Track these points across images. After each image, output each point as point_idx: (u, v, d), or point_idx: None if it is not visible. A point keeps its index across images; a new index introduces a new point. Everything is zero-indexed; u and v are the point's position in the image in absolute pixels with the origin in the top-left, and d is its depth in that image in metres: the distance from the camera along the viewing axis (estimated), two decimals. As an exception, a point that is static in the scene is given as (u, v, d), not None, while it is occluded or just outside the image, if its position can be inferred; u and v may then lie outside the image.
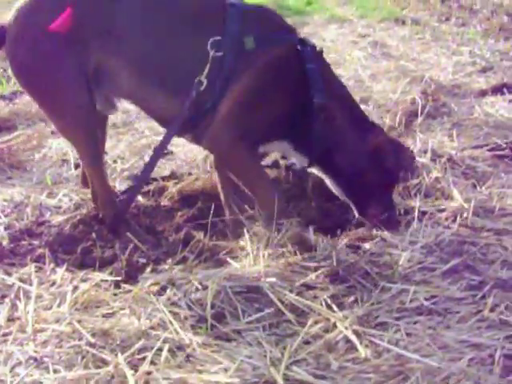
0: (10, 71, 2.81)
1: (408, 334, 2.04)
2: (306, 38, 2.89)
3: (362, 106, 4.44)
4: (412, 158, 2.92)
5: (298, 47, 2.77)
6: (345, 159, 2.77)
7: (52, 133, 4.16)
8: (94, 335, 2.04)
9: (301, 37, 2.86)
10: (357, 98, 4.65)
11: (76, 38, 2.62)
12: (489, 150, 3.47)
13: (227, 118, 2.67)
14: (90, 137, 2.77)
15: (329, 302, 2.21)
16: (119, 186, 3.31)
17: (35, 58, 2.67)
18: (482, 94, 4.69)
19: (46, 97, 2.76)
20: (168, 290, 2.27)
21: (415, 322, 2.11)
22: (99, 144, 2.89)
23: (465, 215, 2.71)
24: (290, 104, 2.74)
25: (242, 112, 2.68)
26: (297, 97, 2.74)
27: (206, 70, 2.63)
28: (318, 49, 2.85)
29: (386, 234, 2.64)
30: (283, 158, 3.18)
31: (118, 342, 2.01)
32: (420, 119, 4.03)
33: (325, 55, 2.89)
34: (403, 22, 8.89)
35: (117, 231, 2.74)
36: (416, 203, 2.86)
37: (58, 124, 2.91)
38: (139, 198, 3.11)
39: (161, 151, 2.83)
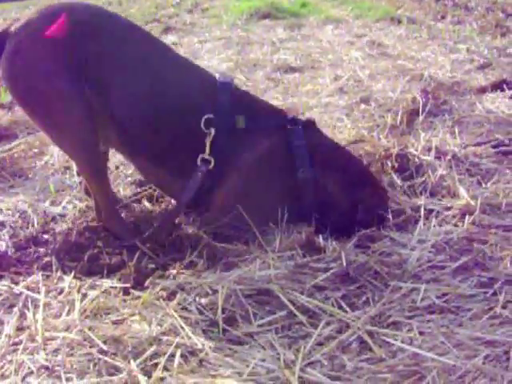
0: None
1: (421, 333, 2.03)
2: (296, 117, 2.94)
3: (363, 106, 4.46)
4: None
5: (288, 126, 2.81)
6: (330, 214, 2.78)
7: (53, 141, 4.13)
8: (105, 342, 2.03)
9: (292, 116, 2.91)
10: (357, 97, 4.70)
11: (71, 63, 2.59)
12: (492, 147, 3.46)
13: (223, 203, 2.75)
14: (90, 150, 2.69)
15: (340, 302, 2.21)
16: (123, 191, 3.30)
17: (32, 69, 2.59)
18: (482, 90, 4.67)
19: (41, 109, 2.66)
20: (178, 295, 2.26)
21: (428, 321, 2.10)
22: (101, 156, 2.81)
23: (472, 212, 2.70)
24: (282, 182, 2.77)
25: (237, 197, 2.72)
26: (287, 174, 2.76)
27: (207, 148, 2.66)
28: (309, 121, 2.92)
29: (394, 233, 2.64)
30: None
31: (129, 349, 1.99)
32: (421, 117, 4.03)
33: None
34: (399, 22, 8.90)
35: (124, 241, 2.71)
36: (422, 202, 2.86)
37: (54, 138, 2.79)
38: (145, 203, 3.11)
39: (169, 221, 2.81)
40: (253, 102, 2.91)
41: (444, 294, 2.23)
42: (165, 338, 2.04)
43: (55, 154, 3.90)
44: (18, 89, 2.66)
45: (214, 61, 6.88)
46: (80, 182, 3.36)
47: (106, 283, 2.41)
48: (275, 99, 4.99)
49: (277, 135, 2.79)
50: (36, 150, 4.06)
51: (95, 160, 2.73)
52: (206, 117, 2.67)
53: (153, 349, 1.98)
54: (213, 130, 2.66)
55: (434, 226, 2.65)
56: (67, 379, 1.90)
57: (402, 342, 1.99)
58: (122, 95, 2.66)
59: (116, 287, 2.39)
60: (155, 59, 2.77)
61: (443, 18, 9.26)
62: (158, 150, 2.73)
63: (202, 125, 2.66)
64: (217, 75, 2.87)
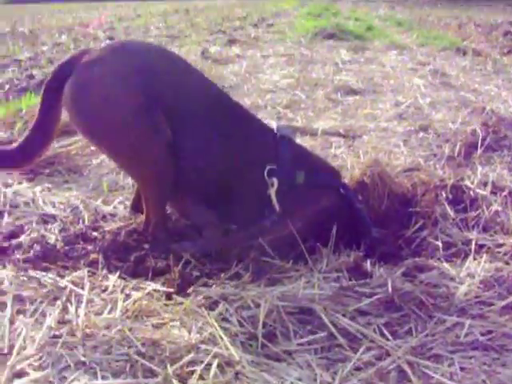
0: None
1: (462, 369, 1.98)
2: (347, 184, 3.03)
3: (421, 134, 4.42)
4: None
5: (342, 191, 2.90)
6: None
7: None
8: (143, 345, 2.02)
9: (342, 181, 3.00)
10: (416, 125, 4.66)
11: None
12: (550, 187, 3.38)
13: None
14: (165, 184, 2.68)
15: (382, 329, 2.18)
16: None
17: (110, 105, 2.55)
18: (544, 129, 4.58)
19: (118, 146, 2.62)
20: (220, 305, 2.25)
21: (470, 357, 2.05)
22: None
23: (525, 251, 2.65)
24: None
25: None
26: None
27: (273, 198, 2.71)
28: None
29: (443, 265, 2.60)
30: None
31: (167, 354, 1.99)
32: (480, 151, 3.97)
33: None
34: (464, 53, 8.83)
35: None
36: (474, 236, 2.81)
37: (128, 170, 2.82)
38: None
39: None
40: (310, 158, 2.98)
41: (489, 332, 2.18)
42: (203, 346, 2.03)
43: (111, 154, 3.93)
44: (89, 123, 2.62)
45: (276, 76, 6.91)
46: (133, 185, 3.39)
47: (150, 286, 2.42)
48: (333, 120, 4.99)
49: (335, 197, 2.88)
50: (92, 149, 4.11)
51: (167, 191, 2.72)
52: (269, 167, 2.71)
53: (190, 356, 1.97)
54: (275, 180, 2.69)
55: (485, 261, 2.60)
56: (103, 377, 1.90)
57: (442, 375, 1.94)
58: (183, 144, 2.66)
59: (159, 291, 2.39)
60: (218, 110, 2.77)
61: (509, 52, 9.17)
62: (212, 196, 2.76)
63: (266, 174, 2.70)
64: (274, 126, 2.91)
